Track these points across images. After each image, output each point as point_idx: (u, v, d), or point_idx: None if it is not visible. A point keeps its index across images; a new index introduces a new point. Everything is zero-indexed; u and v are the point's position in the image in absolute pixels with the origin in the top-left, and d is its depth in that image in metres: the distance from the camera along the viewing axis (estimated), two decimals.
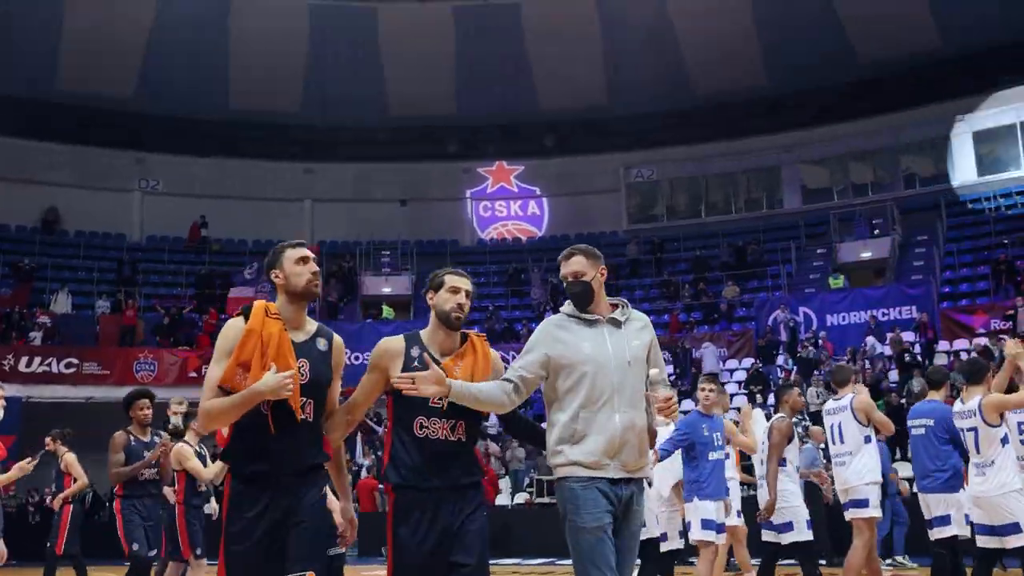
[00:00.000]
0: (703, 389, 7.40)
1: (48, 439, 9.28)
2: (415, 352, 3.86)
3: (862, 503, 7.33)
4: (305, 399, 3.71)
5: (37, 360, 21.07)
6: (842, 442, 7.48)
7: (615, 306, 4.10)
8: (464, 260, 26.79)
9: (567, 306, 4.08)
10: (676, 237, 26.53)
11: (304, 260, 3.85)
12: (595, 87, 26.62)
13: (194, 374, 20.51)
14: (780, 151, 26.43)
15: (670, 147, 26.97)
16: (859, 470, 7.34)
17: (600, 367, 3.87)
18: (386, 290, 25.70)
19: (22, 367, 20.72)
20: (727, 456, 7.65)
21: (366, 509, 15.77)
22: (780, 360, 19.77)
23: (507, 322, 23.61)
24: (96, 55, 24.63)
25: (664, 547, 7.63)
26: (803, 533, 7.43)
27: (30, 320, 21.57)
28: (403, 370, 3.81)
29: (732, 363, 20.67)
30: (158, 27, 24.95)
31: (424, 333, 3.98)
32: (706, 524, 7.33)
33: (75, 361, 21.31)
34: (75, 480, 8.87)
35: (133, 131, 26.17)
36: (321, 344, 3.84)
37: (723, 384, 18.35)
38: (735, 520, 8.13)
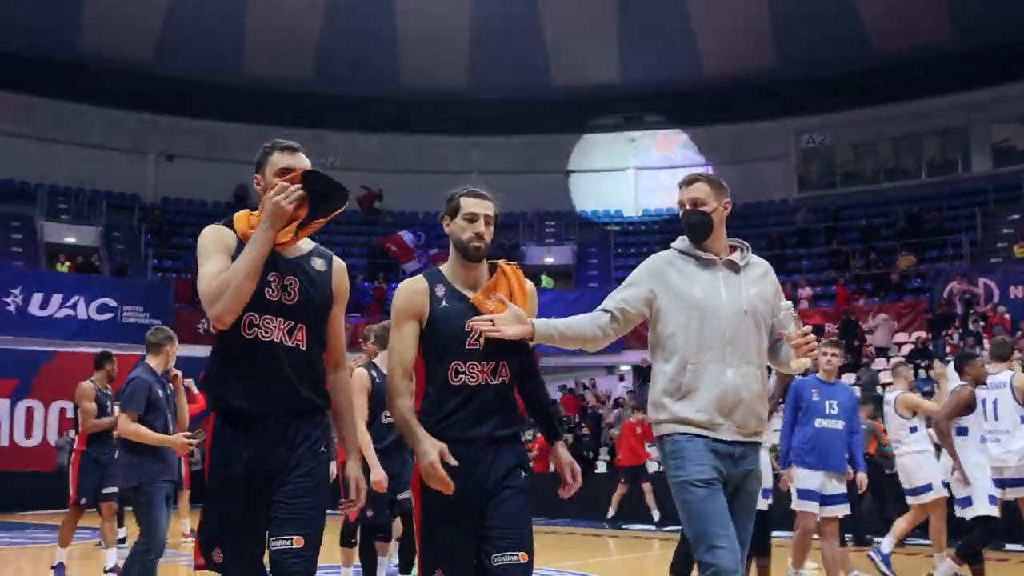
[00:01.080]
0: (825, 353, 6.91)
1: None
2: (440, 291, 3.42)
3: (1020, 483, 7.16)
4: (295, 323, 3.18)
5: None
6: (996, 419, 7.26)
7: (734, 248, 3.70)
8: (627, 230, 26.76)
9: (680, 241, 3.69)
10: (850, 205, 25.49)
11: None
12: (764, 49, 25.82)
13: (362, 340, 21.47)
14: (969, 110, 24.85)
15: (846, 111, 25.87)
16: (1018, 449, 7.13)
17: (711, 314, 3.50)
18: (548, 260, 26.02)
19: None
20: (852, 430, 7.07)
21: None
22: (953, 334, 18.76)
23: None
24: (277, 42, 25.96)
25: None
26: (984, 507, 7.09)
27: None
28: (431, 310, 3.38)
29: (901, 336, 19.77)
30: (330, 12, 25.99)
31: (445, 268, 3.51)
32: (804, 494, 6.94)
33: None
34: None
35: (312, 111, 27.44)
36: (317, 263, 3.31)
37: (890, 358, 17.84)
38: (938, 492, 7.92)
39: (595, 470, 16.55)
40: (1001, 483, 7.19)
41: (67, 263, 21.93)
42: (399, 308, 3.41)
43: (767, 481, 7.00)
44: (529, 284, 3.55)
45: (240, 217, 3.24)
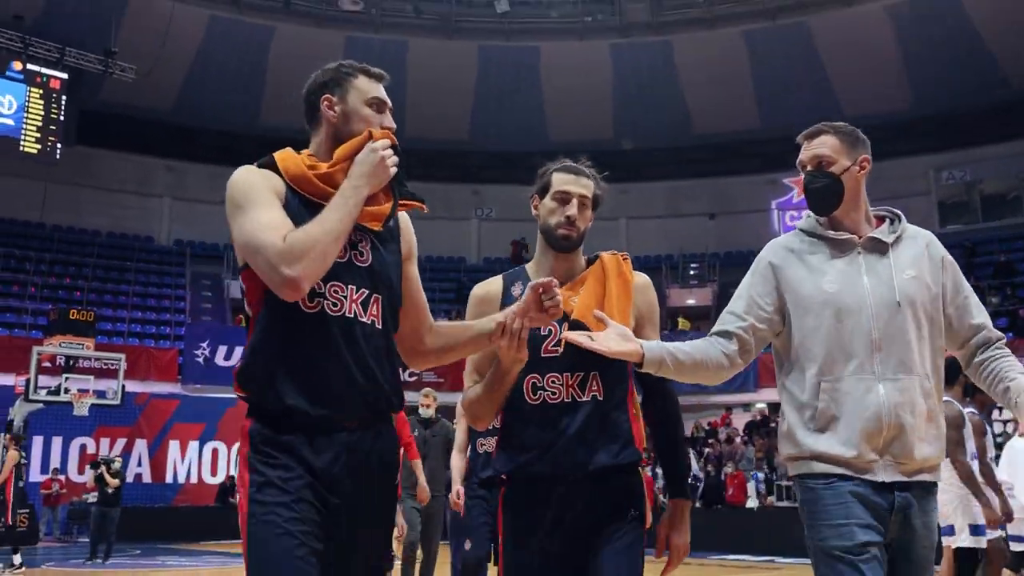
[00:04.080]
0: None
1: None
2: (516, 291, 2.77)
3: None
4: (369, 292, 2.34)
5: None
6: None
7: (880, 219, 2.82)
8: None
9: (804, 219, 2.84)
10: (991, 239, 25.47)
11: None
12: (897, 91, 26.24)
13: None
14: None
15: (985, 146, 25.91)
16: None
17: (850, 313, 2.62)
18: (690, 301, 27.13)
19: None
20: None
21: None
22: None
23: None
24: (435, 106, 28.38)
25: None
26: None
27: None
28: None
29: None
30: (481, 79, 28.19)
31: (531, 264, 2.90)
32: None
33: (416, 371, 24.98)
34: None
35: (469, 167, 29.71)
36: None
37: None
38: None
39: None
40: None
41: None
42: (472, 305, 2.83)
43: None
44: (641, 277, 2.86)
45: (286, 156, 2.37)
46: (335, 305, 2.29)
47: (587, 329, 2.64)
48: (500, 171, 29.33)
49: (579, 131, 28.80)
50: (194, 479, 19.72)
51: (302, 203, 2.31)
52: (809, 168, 2.79)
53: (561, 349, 2.68)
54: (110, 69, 23.44)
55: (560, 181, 2.82)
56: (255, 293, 2.29)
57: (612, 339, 2.53)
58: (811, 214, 2.81)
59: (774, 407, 22.53)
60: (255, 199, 2.25)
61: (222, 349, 21.82)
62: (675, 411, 2.90)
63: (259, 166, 2.37)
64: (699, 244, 28.41)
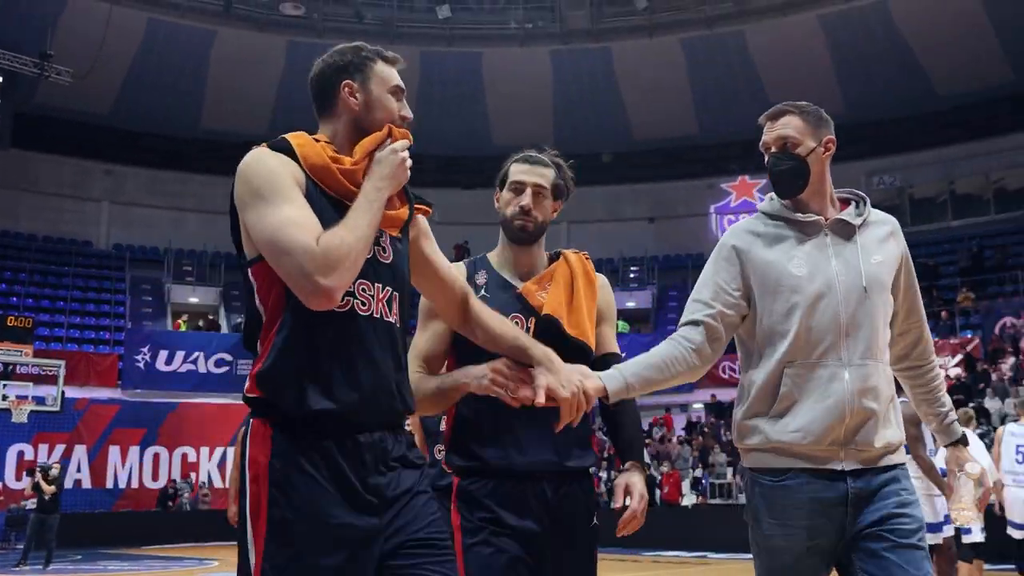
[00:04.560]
0: None
1: None
2: (481, 278, 2.78)
3: None
4: (392, 290, 2.25)
5: None
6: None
7: (846, 203, 2.74)
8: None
9: (766, 202, 2.75)
10: (919, 243, 26.26)
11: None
12: (831, 98, 26.91)
13: None
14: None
15: (914, 152, 26.72)
16: None
17: (818, 297, 2.55)
18: (630, 304, 27.52)
19: None
20: None
21: None
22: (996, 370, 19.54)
23: None
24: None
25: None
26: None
27: None
28: None
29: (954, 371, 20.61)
30: (423, 84, 28.37)
31: (493, 253, 2.88)
32: None
33: None
34: None
35: (412, 171, 29.65)
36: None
37: None
38: None
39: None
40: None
41: (186, 322, 24.75)
42: (425, 304, 2.71)
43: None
44: (601, 278, 2.87)
45: (305, 143, 2.22)
46: (364, 304, 2.18)
47: (557, 324, 2.68)
48: (442, 175, 29.49)
49: (521, 136, 28.67)
50: (135, 484, 19.61)
51: (323, 198, 2.16)
52: (774, 150, 2.69)
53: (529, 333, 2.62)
54: (46, 72, 23.17)
55: (516, 171, 2.81)
56: (271, 290, 2.13)
57: (575, 379, 2.42)
58: (774, 197, 2.72)
59: (710, 408, 23.03)
60: (280, 190, 2.08)
61: (163, 354, 21.71)
62: (633, 405, 2.84)
63: (273, 149, 2.18)
64: (639, 248, 28.85)
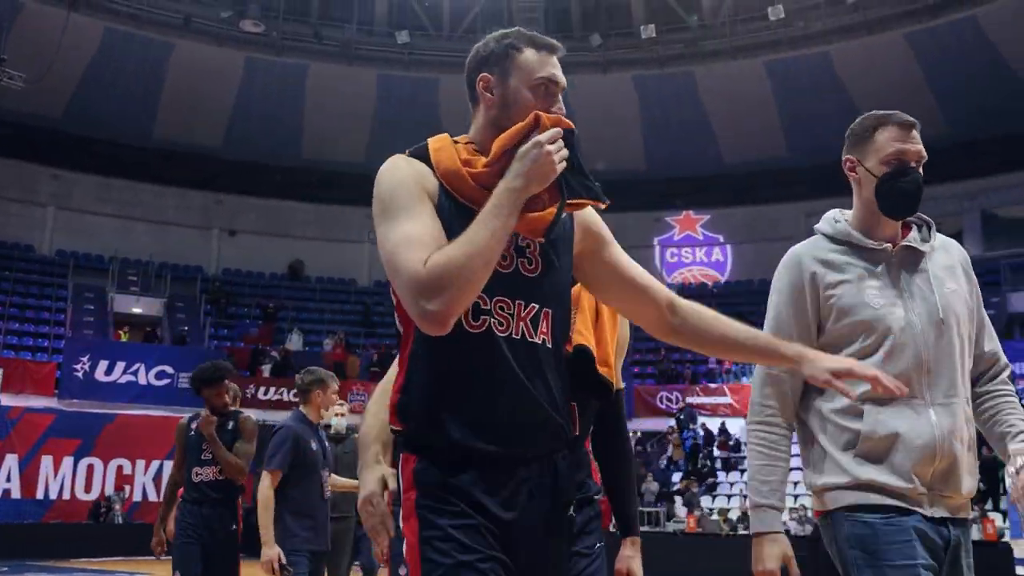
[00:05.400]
0: None
1: None
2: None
3: None
4: (539, 306, 2.02)
5: (272, 390, 24.90)
6: None
7: (907, 227, 2.56)
8: None
9: (829, 223, 2.59)
10: None
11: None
12: (774, 140, 27.70)
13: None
14: (963, 199, 26.42)
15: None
16: None
17: (897, 332, 2.39)
18: None
19: (260, 395, 24.72)
20: None
21: None
22: None
23: (675, 364, 25.21)
24: (333, 131, 28.65)
25: None
26: None
27: (269, 355, 25.52)
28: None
29: None
30: (380, 106, 28.65)
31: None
32: None
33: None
34: None
35: (365, 190, 29.92)
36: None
37: None
38: None
39: None
40: None
41: (128, 334, 24.66)
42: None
43: None
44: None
45: (441, 146, 2.06)
46: (502, 324, 1.98)
47: (590, 357, 2.47)
48: None
49: None
50: (67, 495, 19.49)
51: (455, 207, 1.97)
52: (914, 164, 2.49)
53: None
54: None
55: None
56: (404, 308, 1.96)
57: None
58: (839, 219, 2.57)
59: (648, 435, 23.41)
60: (402, 203, 1.93)
61: (103, 364, 21.63)
62: (628, 449, 2.71)
63: (411, 155, 2.06)
64: None
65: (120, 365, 21.86)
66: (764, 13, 25.66)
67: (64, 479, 19.41)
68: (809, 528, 17.38)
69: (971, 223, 26.96)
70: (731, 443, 21.73)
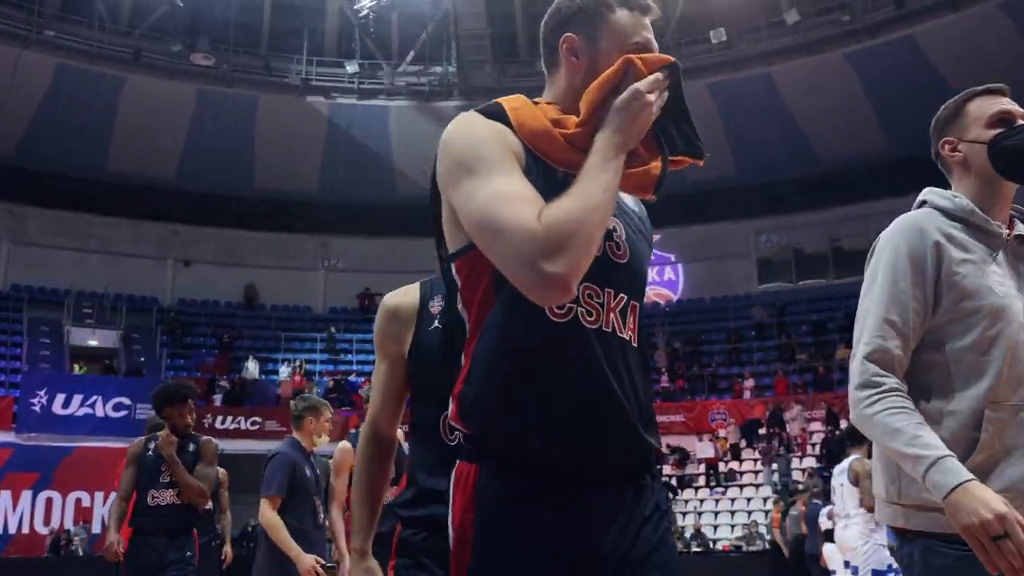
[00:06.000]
0: None
1: None
2: (436, 305, 2.41)
3: None
4: (627, 298, 1.78)
5: (229, 419, 24.99)
6: None
7: (1011, 221, 2.30)
8: None
9: (947, 199, 2.30)
10: (803, 299, 27.69)
11: None
12: (722, 160, 28.34)
13: (353, 430, 23.91)
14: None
15: (798, 213, 28.22)
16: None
17: (1017, 327, 2.12)
18: None
19: (218, 424, 24.81)
20: None
21: None
22: None
23: None
24: (284, 162, 28.92)
25: None
26: None
27: (219, 385, 25.62)
28: (416, 336, 2.39)
29: (816, 426, 21.85)
30: (330, 134, 28.98)
31: None
32: None
33: (259, 419, 25.21)
34: None
35: (317, 219, 30.28)
36: (628, 198, 1.91)
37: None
38: None
39: None
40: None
41: (84, 367, 24.70)
42: (374, 335, 2.47)
43: None
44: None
45: (520, 104, 1.78)
46: (591, 314, 1.70)
47: None
48: (348, 223, 30.04)
49: (427, 190, 29.72)
50: (26, 529, 19.50)
51: (545, 173, 1.70)
52: (1021, 122, 2.24)
53: None
54: None
55: None
56: (477, 288, 1.72)
57: None
58: (959, 195, 2.29)
59: None
60: (492, 159, 1.65)
61: (60, 397, 21.67)
62: None
63: (483, 114, 1.75)
64: None
65: (77, 398, 21.91)
66: (707, 36, 26.36)
67: (23, 513, 19.43)
68: (761, 544, 17.79)
69: None
70: (686, 463, 22.18)
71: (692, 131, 1.76)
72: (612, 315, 1.73)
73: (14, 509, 19.39)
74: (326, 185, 29.93)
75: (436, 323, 2.36)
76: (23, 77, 24.14)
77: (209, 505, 6.71)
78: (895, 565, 6.83)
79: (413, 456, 2.42)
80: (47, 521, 19.67)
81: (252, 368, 26.91)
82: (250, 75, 27.57)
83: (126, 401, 22.35)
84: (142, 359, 25.62)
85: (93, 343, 26.10)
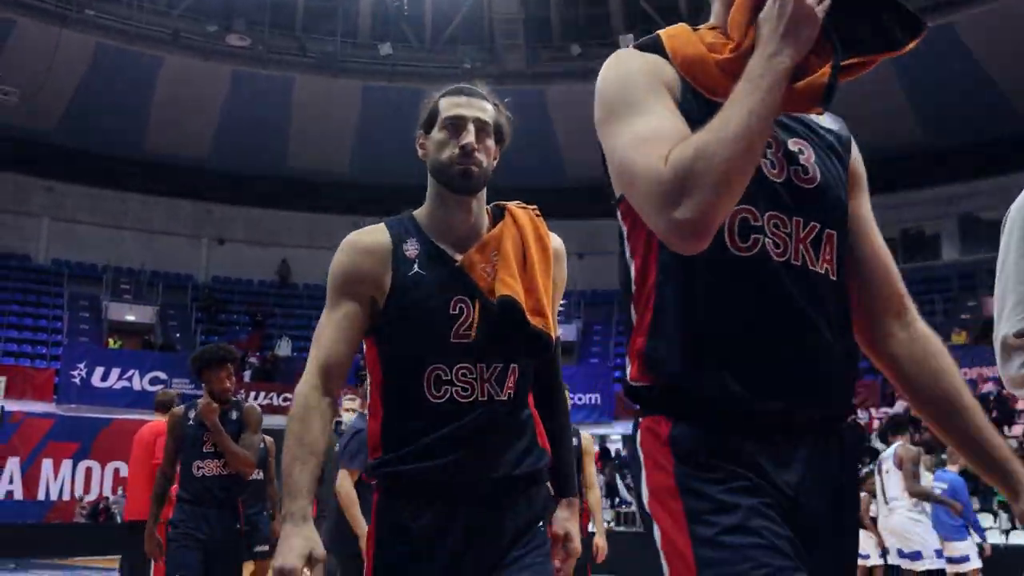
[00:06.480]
0: None
1: None
2: (411, 248, 2.21)
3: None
4: (821, 227, 1.63)
5: (262, 395, 25.52)
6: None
7: None
8: None
9: None
10: None
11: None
12: None
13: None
14: (940, 204, 27.20)
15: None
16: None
17: None
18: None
19: (250, 400, 25.35)
20: None
21: None
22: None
23: None
24: (319, 140, 29.31)
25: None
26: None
27: (248, 362, 26.03)
28: (395, 280, 2.14)
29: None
30: (363, 116, 29.33)
31: (420, 212, 2.30)
32: None
33: (290, 396, 25.65)
34: None
35: (350, 199, 30.68)
36: (826, 116, 1.77)
37: None
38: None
39: None
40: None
41: (120, 341, 25.27)
42: (333, 275, 2.21)
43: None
44: (556, 240, 2.37)
45: (677, 32, 1.65)
46: (779, 246, 1.55)
47: (518, 310, 2.10)
48: (381, 204, 30.39)
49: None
50: (67, 496, 20.08)
51: (702, 105, 1.55)
52: None
53: (474, 334, 2.11)
54: None
55: (449, 105, 2.21)
56: (641, 233, 1.62)
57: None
58: None
59: (627, 439, 24.05)
60: (636, 100, 1.54)
61: (99, 370, 22.21)
62: (565, 403, 2.40)
63: (640, 48, 1.64)
64: (568, 282, 29.77)
65: (115, 371, 22.45)
66: None
67: (64, 481, 19.99)
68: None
69: (949, 228, 27.74)
70: None
71: (891, 13, 1.49)
72: (801, 246, 1.57)
73: (56, 477, 19.97)
74: (357, 166, 30.30)
75: (416, 269, 2.16)
76: (63, 56, 24.59)
77: (259, 475, 6.81)
78: (939, 547, 6.93)
79: (387, 425, 2.20)
80: (87, 489, 20.23)
81: (285, 346, 27.38)
82: (285, 56, 27.93)
83: (162, 375, 22.87)
84: (177, 335, 26.15)
85: (131, 318, 26.64)
